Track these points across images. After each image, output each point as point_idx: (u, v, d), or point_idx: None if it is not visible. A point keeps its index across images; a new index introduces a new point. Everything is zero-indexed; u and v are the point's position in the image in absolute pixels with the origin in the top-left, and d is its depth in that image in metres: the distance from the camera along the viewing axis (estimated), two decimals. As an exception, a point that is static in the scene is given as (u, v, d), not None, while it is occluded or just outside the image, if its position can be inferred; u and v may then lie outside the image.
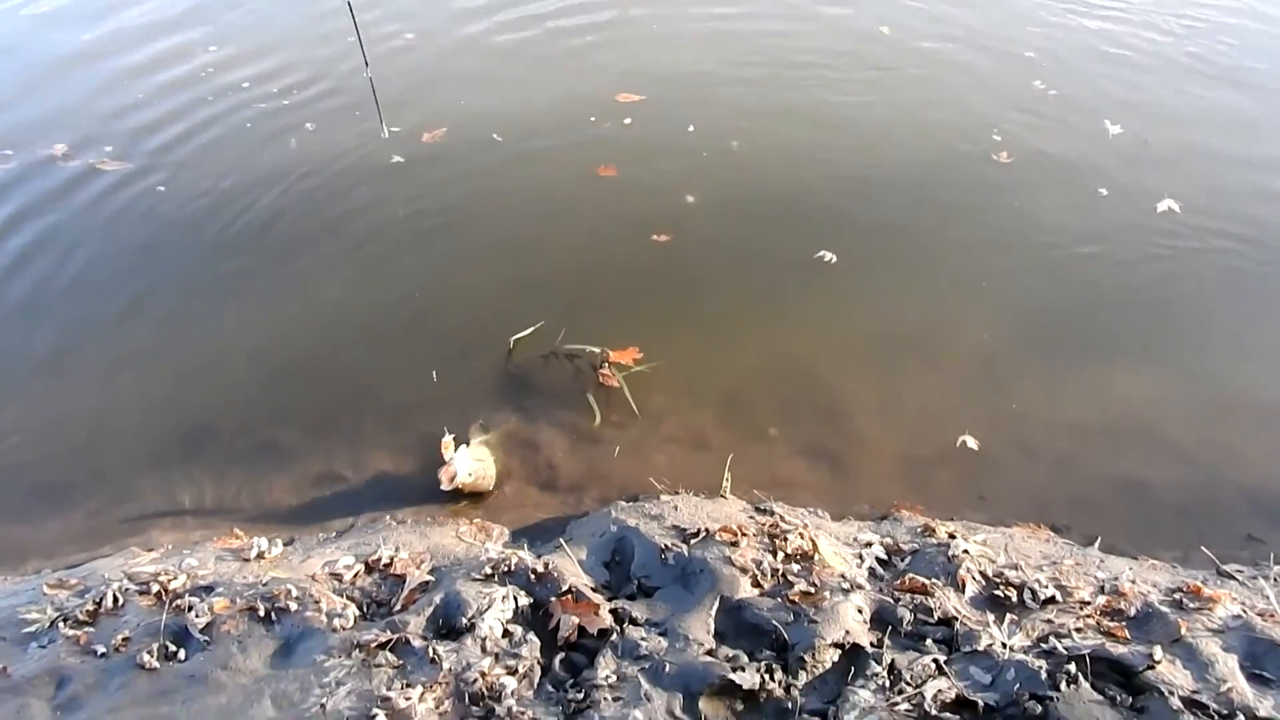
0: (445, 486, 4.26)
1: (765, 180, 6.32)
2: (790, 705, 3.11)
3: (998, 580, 3.62)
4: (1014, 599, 3.53)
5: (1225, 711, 2.95)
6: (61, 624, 3.49)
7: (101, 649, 3.36)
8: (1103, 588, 3.60)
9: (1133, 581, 3.62)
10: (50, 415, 4.81)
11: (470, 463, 4.29)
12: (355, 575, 3.79)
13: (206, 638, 3.41)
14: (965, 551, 3.74)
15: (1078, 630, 3.33)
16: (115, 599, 3.59)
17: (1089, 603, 3.50)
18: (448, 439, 4.30)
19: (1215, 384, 4.82)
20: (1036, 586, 3.56)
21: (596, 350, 4.95)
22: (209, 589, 3.65)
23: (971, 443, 4.48)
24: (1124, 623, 3.38)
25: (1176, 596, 3.54)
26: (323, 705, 3.08)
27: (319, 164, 6.52)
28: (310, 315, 5.35)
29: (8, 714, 3.15)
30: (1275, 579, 3.76)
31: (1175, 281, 5.51)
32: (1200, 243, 5.79)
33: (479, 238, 5.90)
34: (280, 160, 6.56)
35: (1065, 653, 3.20)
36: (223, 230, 5.97)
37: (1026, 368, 4.93)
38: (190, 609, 3.51)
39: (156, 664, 3.30)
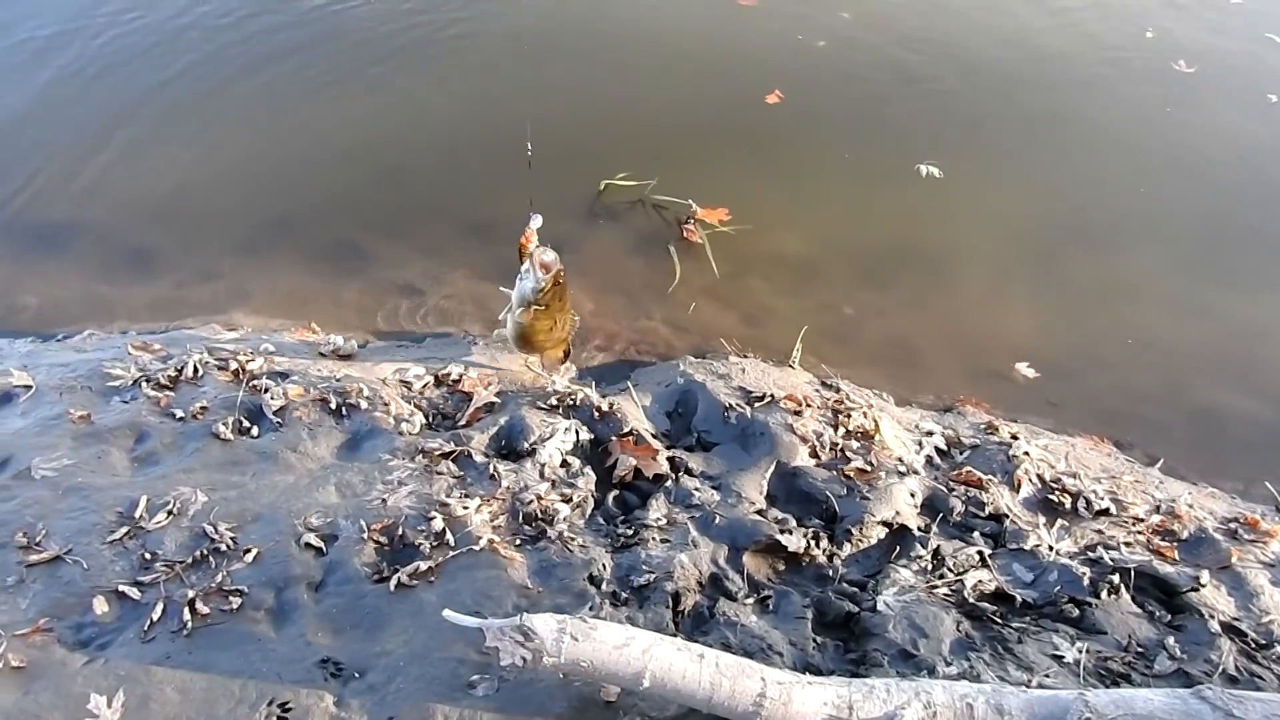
0: (541, 278, 3.43)
1: (896, 55, 6.07)
2: (831, 573, 3.19)
3: (1054, 485, 3.62)
4: (1067, 506, 3.54)
5: (1264, 641, 2.97)
6: (144, 384, 3.64)
7: (180, 413, 3.51)
8: (1158, 507, 3.59)
9: (1190, 505, 3.61)
10: (144, 183, 4.90)
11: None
12: (424, 386, 3.88)
13: (279, 420, 3.53)
14: (1025, 453, 3.74)
15: (1126, 544, 3.34)
16: (196, 369, 3.72)
17: (1142, 520, 3.50)
18: (535, 222, 3.48)
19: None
20: (1092, 497, 3.56)
21: (686, 204, 4.89)
22: (284, 375, 3.76)
23: (1028, 372, 4.37)
24: (1174, 544, 3.38)
25: (1232, 526, 3.52)
26: (384, 500, 3.20)
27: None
28: (405, 123, 5.34)
29: (89, 457, 3.32)
30: (1336, 523, 3.72)
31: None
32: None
33: (590, 68, 5.77)
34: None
35: (1111, 563, 3.23)
36: (333, 29, 5.93)
37: (1148, 278, 4.78)
38: (266, 390, 3.63)
39: (230, 436, 3.44)
